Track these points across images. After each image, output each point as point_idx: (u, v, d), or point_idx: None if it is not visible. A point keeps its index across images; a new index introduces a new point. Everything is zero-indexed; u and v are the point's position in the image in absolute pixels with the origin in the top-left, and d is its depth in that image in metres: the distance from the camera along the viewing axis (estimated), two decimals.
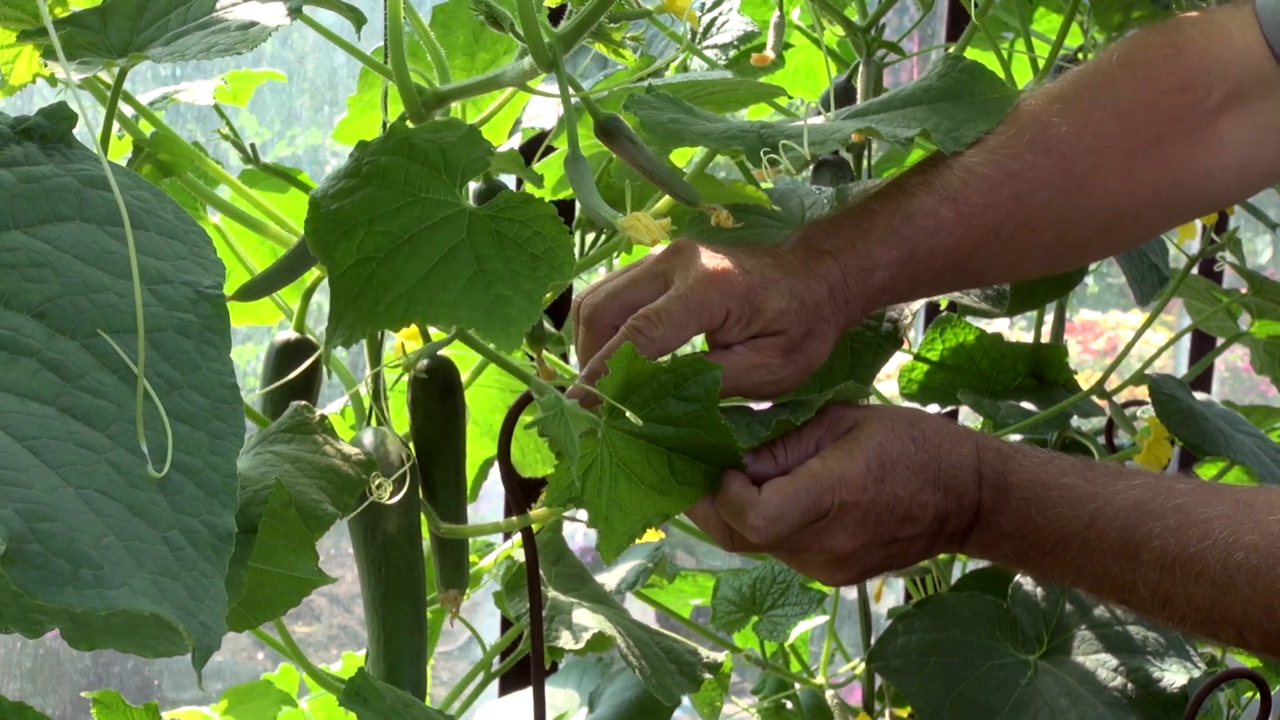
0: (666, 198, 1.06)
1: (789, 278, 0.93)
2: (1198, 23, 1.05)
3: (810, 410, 0.92)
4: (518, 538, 1.25)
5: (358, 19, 0.91)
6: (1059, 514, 0.89)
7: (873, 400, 1.48)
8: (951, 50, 1.48)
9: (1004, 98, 1.05)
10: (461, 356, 1.18)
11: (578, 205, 1.20)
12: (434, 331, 1.11)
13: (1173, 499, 0.87)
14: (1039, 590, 1.32)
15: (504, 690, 1.71)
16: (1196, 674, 1.26)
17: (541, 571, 1.20)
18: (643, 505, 0.89)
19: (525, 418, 1.41)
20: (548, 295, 0.89)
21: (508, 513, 1.08)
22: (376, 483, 0.97)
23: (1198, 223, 1.51)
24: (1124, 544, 0.87)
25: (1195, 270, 1.56)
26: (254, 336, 1.84)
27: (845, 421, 0.92)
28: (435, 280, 0.80)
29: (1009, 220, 0.98)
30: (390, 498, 0.99)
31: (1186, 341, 2.55)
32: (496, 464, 1.06)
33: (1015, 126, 1.01)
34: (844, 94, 1.45)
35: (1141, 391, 1.55)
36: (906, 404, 1.54)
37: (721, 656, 1.23)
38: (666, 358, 0.88)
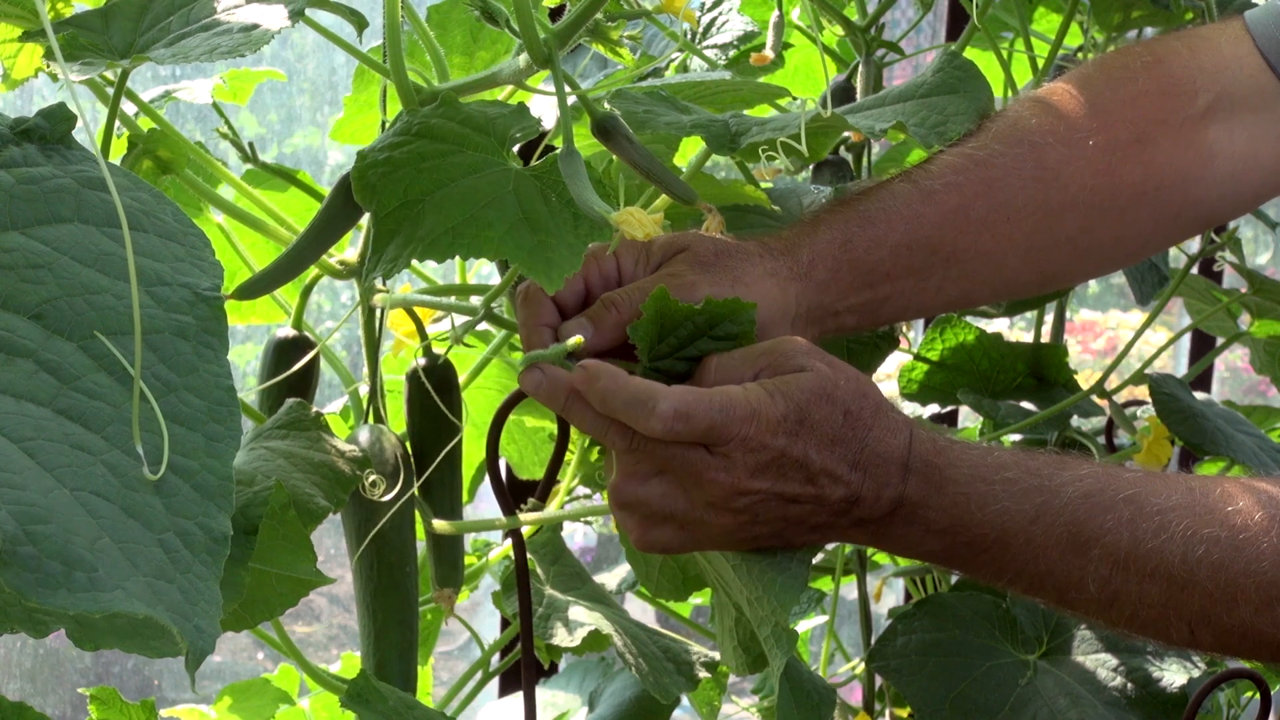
0: (663, 196, 1.06)
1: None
2: (1181, 36, 1.06)
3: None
4: None
5: (359, 22, 0.91)
6: (1002, 509, 0.83)
7: None
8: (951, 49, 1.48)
9: (991, 97, 1.05)
10: (460, 357, 1.18)
11: None
12: (434, 329, 1.11)
13: (1123, 490, 0.83)
14: None
15: (504, 690, 1.71)
16: (1196, 674, 1.25)
17: (540, 570, 1.20)
18: None
19: (533, 422, 1.42)
20: None
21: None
22: (370, 479, 0.97)
23: None
24: (1073, 539, 0.83)
25: (1195, 270, 1.56)
26: (253, 336, 1.84)
27: (794, 362, 0.85)
28: (481, 219, 0.81)
29: (978, 202, 0.97)
30: (385, 495, 0.99)
31: (1186, 341, 2.55)
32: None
33: (985, 123, 1.02)
34: (843, 94, 1.45)
35: (1141, 391, 1.55)
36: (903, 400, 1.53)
37: (719, 655, 1.23)
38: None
